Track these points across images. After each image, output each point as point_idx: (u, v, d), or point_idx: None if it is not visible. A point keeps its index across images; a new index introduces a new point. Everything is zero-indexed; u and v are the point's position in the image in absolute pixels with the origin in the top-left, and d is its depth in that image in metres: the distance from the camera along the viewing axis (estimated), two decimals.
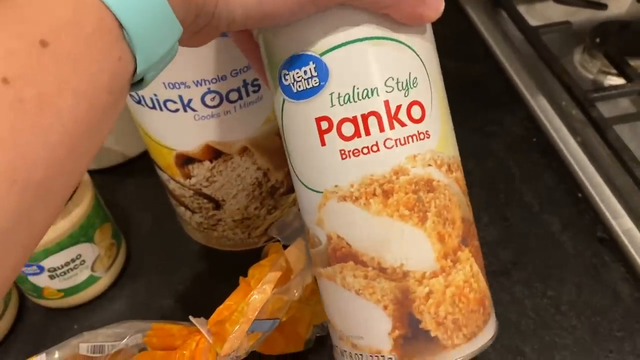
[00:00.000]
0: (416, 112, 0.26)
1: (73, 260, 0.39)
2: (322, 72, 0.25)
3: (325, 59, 0.25)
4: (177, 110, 0.34)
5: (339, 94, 0.25)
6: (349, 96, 0.25)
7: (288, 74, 0.26)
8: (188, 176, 0.38)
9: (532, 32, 0.56)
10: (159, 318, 0.41)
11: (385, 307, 0.27)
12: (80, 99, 0.17)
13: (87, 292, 0.41)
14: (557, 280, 0.40)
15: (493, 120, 0.53)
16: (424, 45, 0.26)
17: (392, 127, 0.25)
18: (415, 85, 0.26)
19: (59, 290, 0.40)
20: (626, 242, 0.41)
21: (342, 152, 0.26)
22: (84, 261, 0.39)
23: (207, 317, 0.32)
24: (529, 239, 0.43)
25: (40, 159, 0.17)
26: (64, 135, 0.17)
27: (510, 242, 0.42)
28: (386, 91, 0.25)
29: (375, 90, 0.25)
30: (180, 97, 0.33)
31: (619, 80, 0.52)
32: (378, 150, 0.25)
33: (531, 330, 0.37)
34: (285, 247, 0.34)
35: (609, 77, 0.54)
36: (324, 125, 0.26)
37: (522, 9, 0.60)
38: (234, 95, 0.34)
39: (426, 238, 0.26)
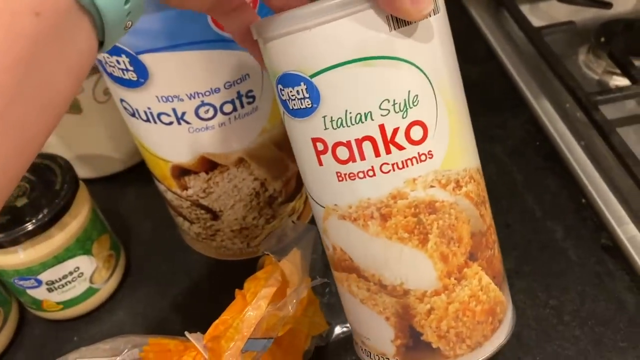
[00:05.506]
0: (416, 133, 0.24)
1: (71, 273, 0.39)
2: (314, 95, 0.24)
3: (316, 81, 0.23)
4: (171, 123, 0.34)
5: (331, 117, 0.24)
6: (342, 120, 0.24)
7: (284, 90, 0.25)
8: (185, 187, 0.38)
9: (535, 33, 0.55)
10: (158, 329, 0.41)
11: (387, 319, 0.28)
12: None
13: (86, 304, 0.41)
14: (560, 289, 0.39)
15: (495, 123, 0.52)
16: (430, 57, 0.24)
17: (388, 151, 0.24)
18: (415, 104, 0.24)
19: (58, 303, 0.40)
20: (631, 249, 0.40)
21: (338, 174, 0.25)
22: (82, 274, 0.39)
23: (206, 328, 0.32)
24: (531, 246, 0.42)
25: None
26: None
27: (512, 249, 0.42)
28: (381, 115, 0.23)
29: (369, 114, 0.23)
30: (174, 110, 0.33)
31: (625, 81, 0.51)
32: (374, 175, 0.24)
33: (533, 342, 0.36)
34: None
35: (615, 77, 0.53)
36: (320, 146, 0.25)
37: (525, 8, 0.59)
38: (228, 107, 0.34)
39: (427, 259, 0.26)
